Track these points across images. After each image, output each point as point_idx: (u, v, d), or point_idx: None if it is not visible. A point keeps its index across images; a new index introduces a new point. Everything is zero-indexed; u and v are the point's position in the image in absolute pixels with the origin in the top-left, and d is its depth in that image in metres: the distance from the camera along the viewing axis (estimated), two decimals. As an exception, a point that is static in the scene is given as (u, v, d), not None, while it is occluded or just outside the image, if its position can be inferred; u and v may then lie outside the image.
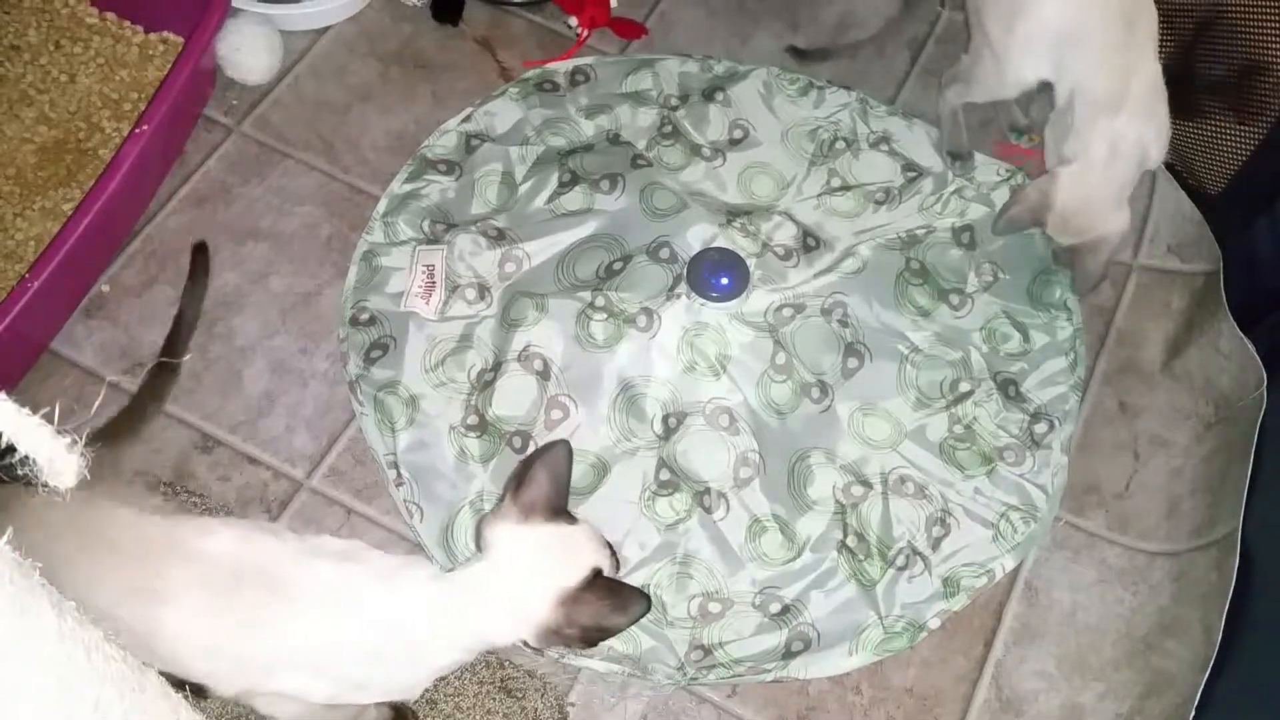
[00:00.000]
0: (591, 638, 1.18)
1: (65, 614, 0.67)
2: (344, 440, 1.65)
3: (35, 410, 0.68)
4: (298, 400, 1.68)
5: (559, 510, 1.20)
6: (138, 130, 1.63)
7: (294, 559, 1.18)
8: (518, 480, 1.20)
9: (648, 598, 1.19)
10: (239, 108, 1.92)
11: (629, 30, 2.04)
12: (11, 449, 0.67)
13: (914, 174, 1.90)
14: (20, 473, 0.68)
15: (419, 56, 2.00)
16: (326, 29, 2.02)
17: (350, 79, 1.97)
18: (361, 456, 1.64)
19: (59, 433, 0.68)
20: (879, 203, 1.86)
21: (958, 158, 1.91)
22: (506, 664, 1.49)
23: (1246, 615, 1.44)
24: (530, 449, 1.62)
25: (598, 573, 1.18)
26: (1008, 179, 1.89)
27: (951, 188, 1.88)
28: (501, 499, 1.22)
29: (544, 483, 1.19)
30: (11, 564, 0.65)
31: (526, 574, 1.17)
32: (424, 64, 1.99)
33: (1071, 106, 1.68)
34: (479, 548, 1.21)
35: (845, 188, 1.87)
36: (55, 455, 0.68)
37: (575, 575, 1.16)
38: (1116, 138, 1.65)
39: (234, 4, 1.83)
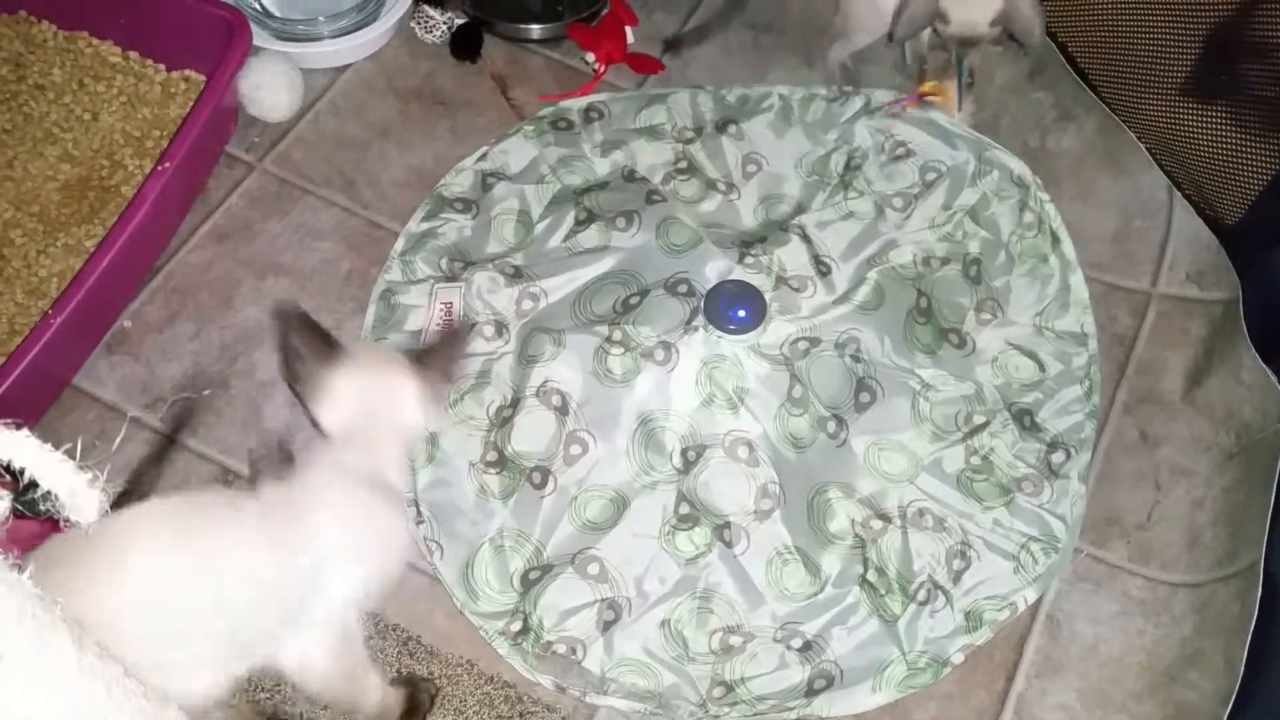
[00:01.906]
0: (451, 373, 1.34)
1: (86, 648, 0.68)
2: (363, 474, 1.65)
3: (57, 446, 0.69)
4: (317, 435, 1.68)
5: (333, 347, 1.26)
6: (160, 168, 1.65)
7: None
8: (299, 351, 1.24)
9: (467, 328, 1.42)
10: (260, 145, 1.94)
11: (646, 66, 2.05)
12: (34, 484, 0.68)
13: (934, 175, 1.90)
14: (43, 508, 0.69)
15: (438, 93, 2.02)
16: (346, 67, 2.04)
17: (370, 116, 1.99)
18: (381, 490, 1.64)
19: (80, 468, 0.69)
20: (896, 209, 1.86)
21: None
22: (525, 698, 1.49)
23: (1269, 646, 1.43)
24: (550, 485, 1.62)
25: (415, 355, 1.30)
26: (1019, 191, 1.89)
27: (961, 202, 1.87)
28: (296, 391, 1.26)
29: (309, 341, 1.24)
30: (33, 598, 0.65)
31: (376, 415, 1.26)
32: (443, 101, 2.01)
33: None
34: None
35: (862, 194, 1.88)
36: (77, 490, 0.69)
37: (408, 387, 1.27)
38: None
39: (255, 42, 1.85)
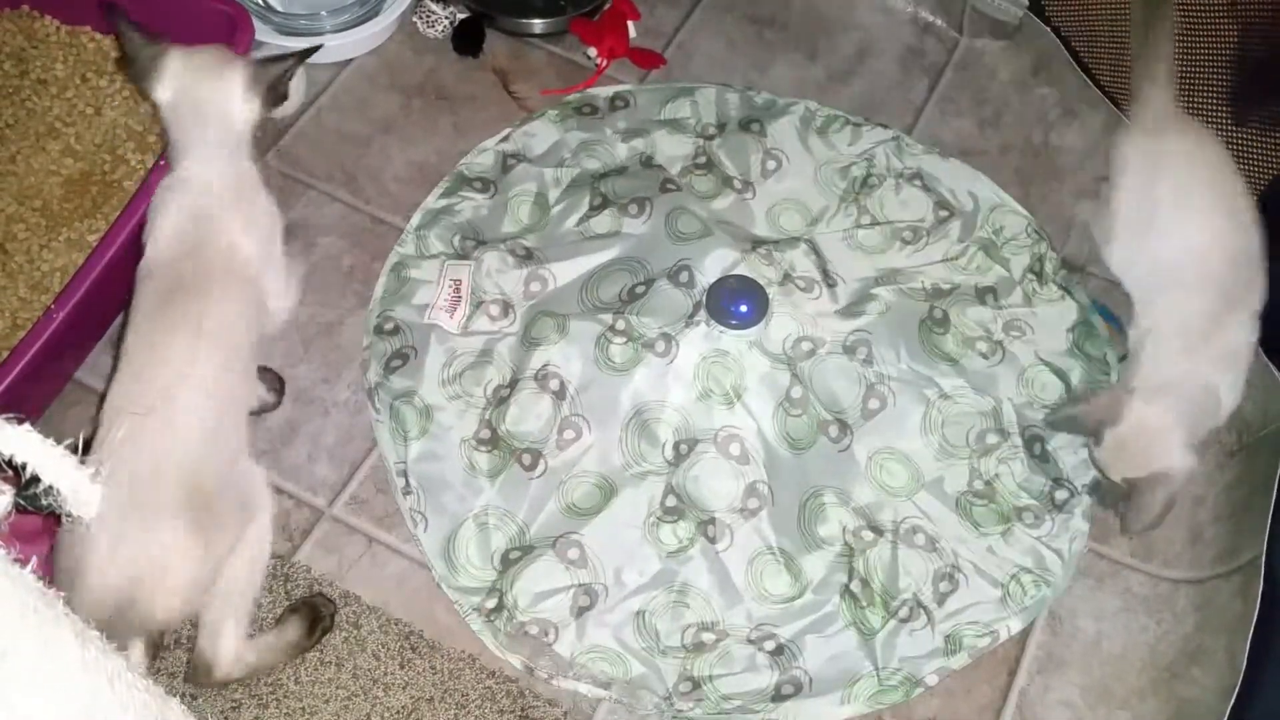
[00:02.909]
0: (281, 81, 1.52)
1: (88, 644, 0.68)
2: (365, 468, 1.66)
3: (59, 440, 0.69)
4: (319, 429, 1.68)
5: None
6: (162, 162, 1.64)
7: None
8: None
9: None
10: (263, 140, 1.93)
11: (647, 60, 2.05)
12: (36, 479, 0.68)
13: (945, 213, 1.88)
14: (45, 503, 0.69)
15: (440, 88, 2.02)
16: (349, 62, 2.03)
17: (372, 111, 1.98)
18: (383, 485, 1.65)
19: (82, 464, 0.69)
20: (906, 241, 1.85)
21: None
22: (527, 693, 1.49)
23: (1271, 642, 1.43)
24: (540, 467, 1.63)
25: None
26: (1033, 244, 1.87)
27: (977, 238, 1.86)
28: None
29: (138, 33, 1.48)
30: (36, 593, 0.65)
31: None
32: (445, 96, 2.01)
33: (1145, 339, 1.61)
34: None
35: (874, 223, 1.87)
36: (79, 486, 0.69)
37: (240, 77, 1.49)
38: (1188, 378, 1.56)
39: (257, 37, 1.85)
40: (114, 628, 1.10)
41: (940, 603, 1.58)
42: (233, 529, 1.34)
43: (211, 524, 1.30)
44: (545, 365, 1.69)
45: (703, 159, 1.92)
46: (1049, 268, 1.84)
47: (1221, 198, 1.61)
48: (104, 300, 1.69)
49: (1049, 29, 2.05)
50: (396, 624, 1.53)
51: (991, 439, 1.69)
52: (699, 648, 1.54)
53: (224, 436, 1.36)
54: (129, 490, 1.24)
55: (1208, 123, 1.76)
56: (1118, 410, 1.55)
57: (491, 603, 1.54)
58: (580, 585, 1.56)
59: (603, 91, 2.00)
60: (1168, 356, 1.57)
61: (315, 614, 1.50)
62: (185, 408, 1.31)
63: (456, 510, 1.61)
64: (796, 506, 1.62)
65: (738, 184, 1.90)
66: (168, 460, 1.28)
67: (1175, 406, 1.54)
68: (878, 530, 1.61)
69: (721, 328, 1.67)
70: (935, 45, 2.13)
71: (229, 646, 1.40)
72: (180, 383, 1.32)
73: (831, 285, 1.77)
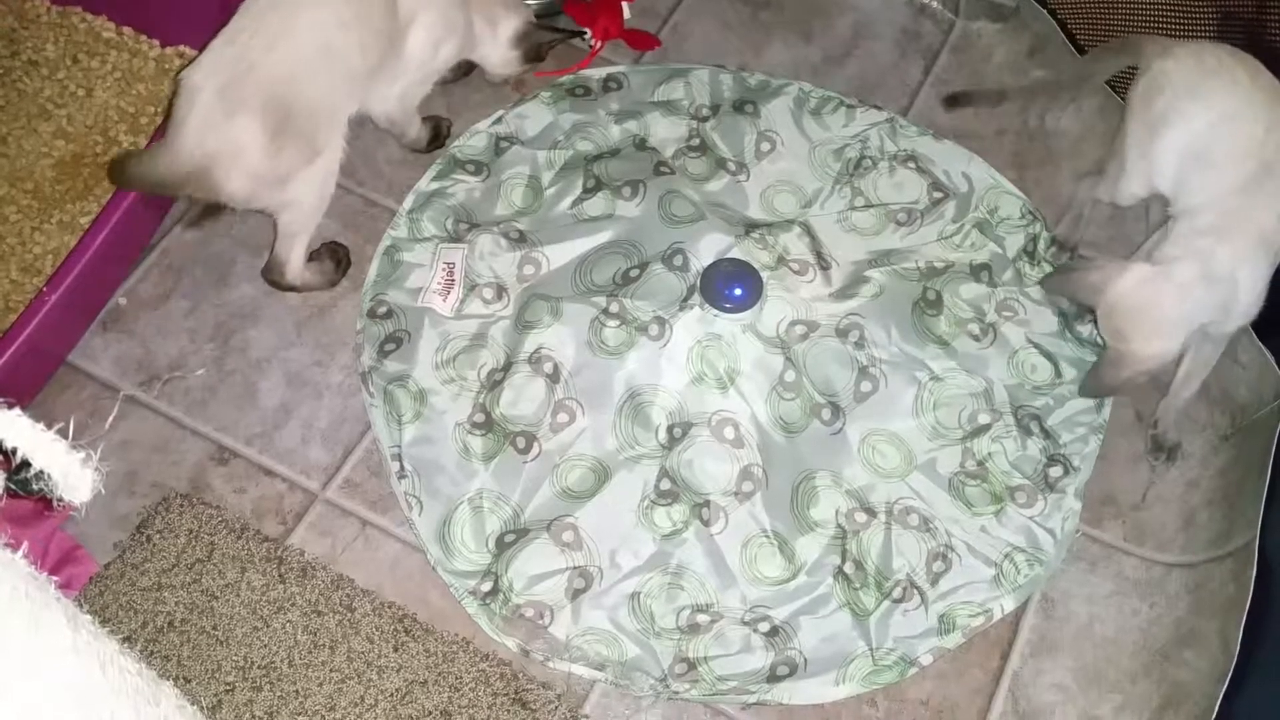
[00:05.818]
0: None
1: (80, 628, 0.67)
2: (359, 452, 1.66)
3: (51, 424, 0.69)
4: (313, 412, 1.68)
5: None
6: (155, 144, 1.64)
7: None
8: None
9: None
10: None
11: (642, 42, 2.04)
12: (27, 464, 0.67)
13: (940, 195, 1.88)
14: (35, 488, 0.68)
15: (433, 69, 2.01)
16: (342, 42, 2.02)
17: (365, 92, 1.97)
18: (376, 468, 1.64)
19: (73, 448, 0.69)
20: (900, 223, 1.85)
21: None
22: (521, 675, 1.49)
23: (1264, 626, 1.44)
24: (534, 451, 1.63)
25: None
26: (1027, 225, 1.87)
27: (972, 218, 1.86)
28: None
29: None
30: (27, 578, 0.65)
31: None
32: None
33: (1176, 222, 1.58)
34: None
35: (868, 206, 1.87)
36: (70, 470, 0.68)
37: None
38: (1210, 263, 1.50)
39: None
40: (186, 186, 1.54)
41: (934, 583, 1.58)
42: (301, 150, 1.58)
43: (284, 134, 1.54)
44: (539, 348, 1.68)
45: (696, 141, 1.92)
46: (1041, 246, 1.84)
47: (1242, 73, 1.57)
48: (96, 283, 1.69)
49: (1046, 11, 2.04)
50: (390, 607, 1.53)
51: (984, 419, 1.69)
52: (694, 629, 1.54)
53: (320, 77, 1.58)
54: (223, 83, 1.51)
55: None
56: (1112, 280, 1.54)
57: (486, 586, 1.55)
58: (575, 568, 1.56)
59: (596, 73, 2.00)
60: (1189, 234, 1.54)
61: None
62: (291, 36, 1.54)
63: (451, 494, 1.61)
64: (789, 489, 1.62)
65: (731, 166, 1.89)
66: (259, 69, 1.52)
67: (1177, 291, 1.51)
68: (871, 512, 1.62)
69: (715, 311, 1.67)
70: (931, 27, 2.12)
71: (298, 255, 1.71)
72: (292, 16, 1.55)
73: (825, 268, 1.77)
